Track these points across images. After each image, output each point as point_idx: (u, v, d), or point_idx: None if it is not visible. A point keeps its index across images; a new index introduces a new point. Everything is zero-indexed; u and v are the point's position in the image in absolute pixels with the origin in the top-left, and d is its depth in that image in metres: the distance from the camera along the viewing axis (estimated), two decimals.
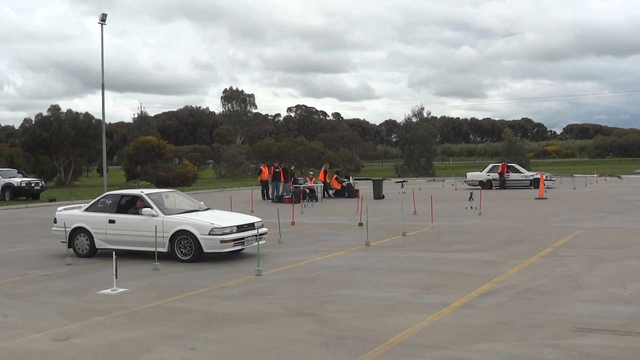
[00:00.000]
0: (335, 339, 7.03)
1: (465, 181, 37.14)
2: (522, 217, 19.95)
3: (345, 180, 32.64)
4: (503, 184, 35.03)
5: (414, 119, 65.62)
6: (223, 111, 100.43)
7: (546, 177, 34.33)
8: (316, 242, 15.21)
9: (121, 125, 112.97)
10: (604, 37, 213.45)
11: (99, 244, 13.44)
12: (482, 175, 36.13)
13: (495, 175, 35.42)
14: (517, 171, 36.07)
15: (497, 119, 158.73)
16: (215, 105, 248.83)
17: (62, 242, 13.93)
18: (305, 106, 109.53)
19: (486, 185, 35.12)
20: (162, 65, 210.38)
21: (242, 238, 12.70)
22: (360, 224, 18.09)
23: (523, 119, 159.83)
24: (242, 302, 8.96)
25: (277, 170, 30.78)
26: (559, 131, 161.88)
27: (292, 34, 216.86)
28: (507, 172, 35.53)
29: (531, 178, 34.75)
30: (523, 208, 23.11)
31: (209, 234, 12.30)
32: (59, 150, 52.70)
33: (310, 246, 14.58)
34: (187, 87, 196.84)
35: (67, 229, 13.52)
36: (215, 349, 6.79)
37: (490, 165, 37.24)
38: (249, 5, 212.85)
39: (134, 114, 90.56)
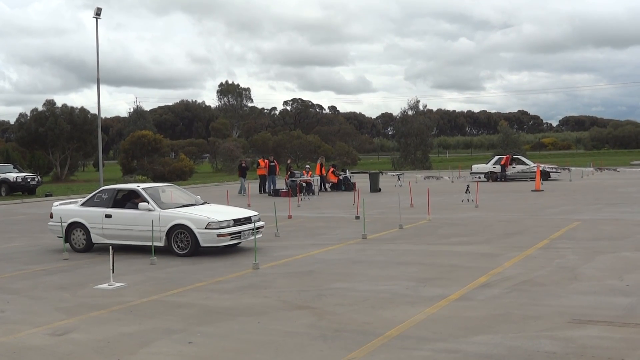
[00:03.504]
0: (333, 332, 7.03)
1: (470, 173, 37.37)
2: (518, 209, 19.98)
3: (341, 173, 32.65)
4: (505, 176, 35.28)
5: (410, 112, 65.69)
6: (219, 105, 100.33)
7: (544, 168, 34.42)
8: (313, 236, 15.21)
9: (117, 119, 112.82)
10: (602, 29, 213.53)
11: (96, 238, 13.42)
12: (488, 167, 36.38)
13: (500, 168, 35.69)
14: (523, 163, 36.23)
15: (493, 111, 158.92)
16: (211, 99, 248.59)
17: (58, 237, 13.91)
18: (301, 100, 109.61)
19: (492, 177, 35.40)
20: (158, 59, 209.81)
21: (239, 232, 12.69)
22: (357, 217, 18.09)
23: (519, 111, 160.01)
24: (240, 296, 8.96)
25: (273, 164, 30.88)
26: (555, 123, 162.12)
27: (289, 27, 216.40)
28: (511, 164, 35.73)
29: (535, 170, 34.81)
30: (520, 200, 23.14)
31: (205, 228, 12.28)
32: (55, 145, 52.62)
33: (308, 239, 14.58)
34: (183, 81, 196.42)
35: (63, 223, 13.50)
36: (213, 343, 6.79)
37: (496, 158, 37.52)
38: None
39: (130, 108, 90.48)
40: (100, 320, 7.86)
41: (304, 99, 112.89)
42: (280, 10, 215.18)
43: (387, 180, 36.69)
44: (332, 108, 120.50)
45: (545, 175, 33.67)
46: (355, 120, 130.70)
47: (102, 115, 40.87)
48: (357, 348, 6.43)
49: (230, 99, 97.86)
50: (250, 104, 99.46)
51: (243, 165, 32.86)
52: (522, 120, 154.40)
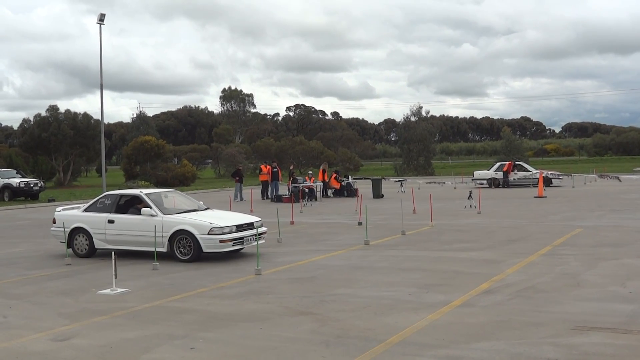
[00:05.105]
0: (335, 338, 7.03)
1: (472, 179, 37.48)
2: (521, 215, 19.96)
3: (344, 179, 32.65)
4: (507, 183, 35.37)
5: (413, 118, 65.72)
6: (222, 111, 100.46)
7: (546, 175, 34.38)
8: (315, 242, 15.21)
9: (120, 125, 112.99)
10: (605, 35, 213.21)
11: (98, 244, 13.43)
12: (490, 173, 36.48)
13: (502, 174, 35.76)
14: (524, 170, 36.26)
15: (496, 117, 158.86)
16: (214, 104, 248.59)
17: (61, 242, 13.93)
18: (304, 105, 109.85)
19: (494, 183, 35.50)
20: (161, 64, 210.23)
21: (242, 238, 12.70)
22: (360, 223, 18.08)
23: (522, 117, 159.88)
24: (242, 302, 8.96)
25: (275, 169, 30.90)
26: (558, 130, 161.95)
27: (292, 32, 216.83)
28: (513, 171, 35.78)
29: (537, 176, 34.77)
30: (522, 206, 23.12)
31: (208, 234, 12.29)
32: (58, 150, 52.70)
33: (310, 245, 14.58)
34: (186, 86, 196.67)
35: (66, 229, 13.52)
36: (215, 349, 6.79)
37: (498, 164, 37.59)
38: (249, 4, 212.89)
39: (133, 114, 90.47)
40: (102, 325, 7.86)
41: (307, 104, 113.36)
42: (284, 16, 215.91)
43: (390, 186, 36.68)
44: (335, 114, 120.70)
45: (547, 182, 33.64)
46: (358, 126, 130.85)
47: (105, 121, 40.92)
48: (359, 354, 6.43)
49: (233, 105, 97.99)
50: (253, 110, 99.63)
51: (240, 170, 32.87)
52: (525, 127, 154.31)
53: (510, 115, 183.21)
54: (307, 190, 28.70)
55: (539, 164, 61.28)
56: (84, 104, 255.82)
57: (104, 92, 35.04)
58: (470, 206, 22.68)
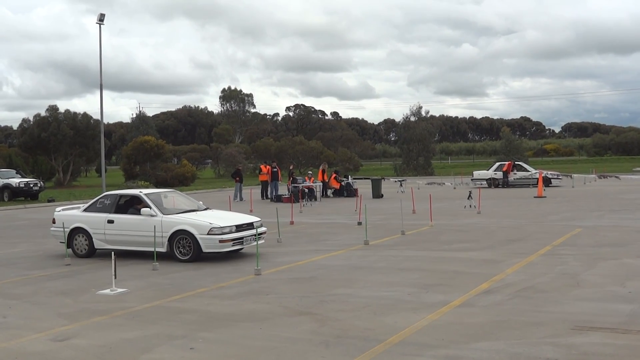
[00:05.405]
0: (334, 338, 7.03)
1: (471, 179, 37.50)
2: (521, 215, 19.96)
3: (344, 179, 32.66)
4: (506, 183, 35.41)
5: (412, 118, 65.75)
6: (222, 111, 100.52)
7: (545, 175, 34.40)
8: (315, 242, 15.21)
9: (120, 125, 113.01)
10: (605, 35, 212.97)
11: (98, 244, 13.44)
12: (489, 173, 36.50)
13: (501, 174, 35.80)
14: (524, 170, 36.27)
15: (495, 117, 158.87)
16: (214, 104, 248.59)
17: (61, 242, 13.93)
18: (304, 105, 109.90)
19: (493, 183, 35.54)
20: (161, 64, 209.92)
21: (241, 238, 12.70)
22: (359, 223, 18.09)
23: (522, 117, 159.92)
24: (242, 302, 8.96)
25: (275, 169, 30.91)
26: (557, 130, 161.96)
27: (292, 32, 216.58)
28: (512, 171, 35.79)
29: (537, 176, 34.79)
30: (522, 206, 23.12)
31: (207, 234, 12.29)
32: (58, 150, 52.72)
33: (310, 245, 14.58)
34: (186, 86, 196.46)
35: (65, 229, 13.52)
36: (215, 349, 6.79)
37: (497, 164, 37.62)
38: (249, 4, 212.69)
39: (133, 114, 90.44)
40: (102, 326, 7.86)
41: (307, 104, 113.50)
42: (284, 16, 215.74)
43: (390, 186, 36.69)
44: (335, 114, 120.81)
45: (546, 182, 33.66)
46: (358, 126, 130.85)
47: (105, 121, 40.98)
48: (359, 354, 6.43)
49: (232, 105, 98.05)
50: (252, 110, 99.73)
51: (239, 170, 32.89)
52: (525, 127, 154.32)
53: (509, 115, 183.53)
54: (306, 190, 28.71)
55: (538, 164, 61.30)
56: (84, 104, 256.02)
57: (104, 92, 35.05)
58: (470, 206, 22.68)
